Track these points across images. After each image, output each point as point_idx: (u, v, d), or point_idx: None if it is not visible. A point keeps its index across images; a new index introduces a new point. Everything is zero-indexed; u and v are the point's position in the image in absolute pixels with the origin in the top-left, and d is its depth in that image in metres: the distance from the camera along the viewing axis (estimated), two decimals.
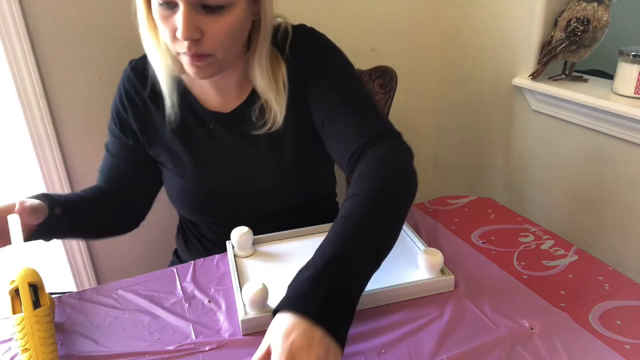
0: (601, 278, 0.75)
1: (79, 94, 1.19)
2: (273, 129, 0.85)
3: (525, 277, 0.76)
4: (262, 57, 0.81)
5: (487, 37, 1.42)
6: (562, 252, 0.82)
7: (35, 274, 0.62)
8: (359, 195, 0.67)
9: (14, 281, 0.61)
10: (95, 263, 1.35)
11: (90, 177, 0.86)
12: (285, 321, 0.53)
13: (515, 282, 0.75)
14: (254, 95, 0.86)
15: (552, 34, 1.21)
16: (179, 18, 0.70)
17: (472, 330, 0.65)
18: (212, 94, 0.87)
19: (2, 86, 1.12)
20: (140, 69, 0.88)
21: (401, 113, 1.59)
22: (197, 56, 0.74)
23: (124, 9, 1.16)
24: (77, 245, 1.30)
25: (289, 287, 0.57)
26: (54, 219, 0.78)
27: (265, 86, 0.82)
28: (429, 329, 0.66)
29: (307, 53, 0.84)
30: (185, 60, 0.75)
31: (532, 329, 0.65)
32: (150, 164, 0.93)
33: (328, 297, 0.54)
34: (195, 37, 0.71)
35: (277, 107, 0.84)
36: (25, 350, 0.58)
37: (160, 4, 0.71)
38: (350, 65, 0.87)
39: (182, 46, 0.73)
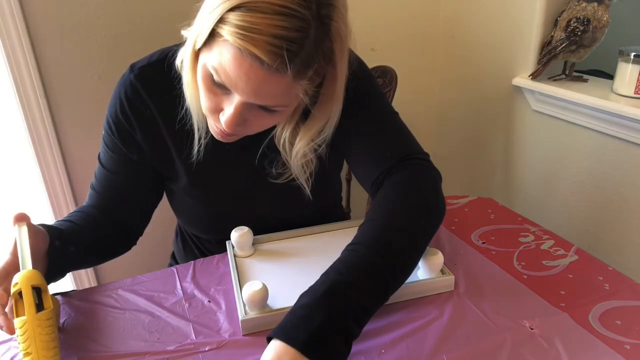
0: (601, 278, 0.75)
1: (79, 94, 1.19)
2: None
3: (525, 277, 0.76)
4: (301, 150, 0.73)
5: (487, 37, 1.42)
6: (562, 252, 0.82)
7: (39, 276, 0.62)
8: (375, 221, 0.64)
9: (17, 284, 0.61)
10: None
11: (90, 177, 0.85)
12: (273, 349, 0.52)
13: (515, 282, 0.75)
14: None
15: (552, 34, 1.21)
16: (229, 105, 0.63)
17: (472, 330, 0.65)
18: None
19: (2, 86, 1.12)
20: (147, 77, 0.77)
21: (401, 113, 1.59)
22: (230, 134, 0.68)
23: (124, 9, 1.16)
24: None
25: (288, 312, 0.56)
26: (59, 250, 0.72)
27: (297, 170, 0.76)
28: (429, 329, 0.66)
29: None
30: (214, 127, 0.69)
31: (532, 329, 0.65)
32: (152, 180, 0.84)
33: (321, 327, 0.52)
34: (239, 129, 0.65)
35: (303, 182, 0.78)
36: (27, 354, 0.58)
37: (214, 82, 0.62)
38: (376, 82, 0.82)
39: (219, 123, 0.66)
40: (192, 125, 0.75)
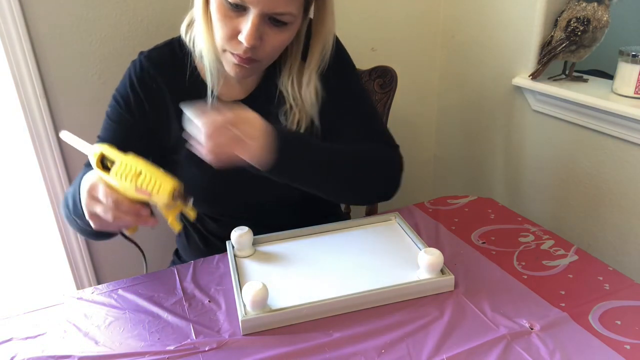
0: (601, 278, 0.75)
1: (79, 94, 1.19)
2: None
3: (525, 277, 0.76)
4: (297, 71, 0.84)
5: (488, 37, 1.42)
6: (562, 252, 0.82)
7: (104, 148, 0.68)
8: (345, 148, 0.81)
9: (96, 153, 0.66)
10: (95, 263, 1.35)
11: None
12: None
13: (515, 282, 0.75)
14: (263, 85, 0.87)
15: (552, 34, 1.21)
16: (246, 23, 0.72)
17: (472, 330, 0.65)
18: (224, 85, 0.86)
19: (2, 86, 1.12)
20: (154, 57, 0.86)
21: (401, 113, 1.59)
22: (247, 59, 0.76)
23: (124, 8, 1.16)
24: (77, 245, 1.30)
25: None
26: None
27: (309, 101, 0.85)
28: (429, 329, 0.66)
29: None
30: (230, 59, 0.77)
31: (531, 329, 0.65)
32: (147, 148, 0.83)
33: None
34: (256, 44, 0.73)
35: (315, 115, 0.86)
36: (138, 174, 0.64)
37: (230, 4, 0.71)
38: (359, 77, 0.92)
39: (238, 48, 0.74)
40: (199, 87, 0.84)
